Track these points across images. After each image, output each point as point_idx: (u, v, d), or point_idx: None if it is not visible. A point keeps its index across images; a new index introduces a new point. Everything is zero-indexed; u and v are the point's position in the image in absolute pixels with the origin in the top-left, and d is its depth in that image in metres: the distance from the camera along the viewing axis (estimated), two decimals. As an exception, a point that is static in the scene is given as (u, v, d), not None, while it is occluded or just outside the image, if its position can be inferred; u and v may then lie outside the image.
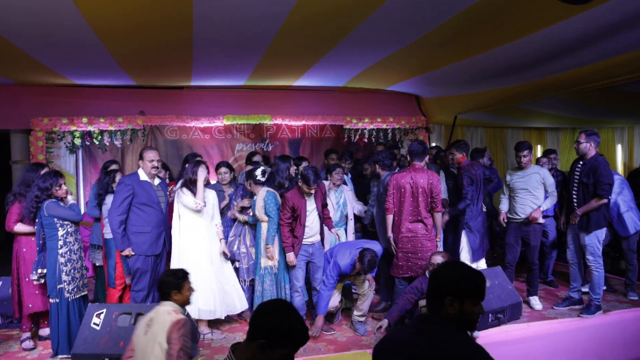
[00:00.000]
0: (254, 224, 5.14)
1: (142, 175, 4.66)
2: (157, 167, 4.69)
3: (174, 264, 4.60)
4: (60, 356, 4.21)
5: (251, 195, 5.17)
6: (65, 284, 4.25)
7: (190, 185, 4.64)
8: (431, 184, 4.78)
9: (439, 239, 4.92)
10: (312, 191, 4.78)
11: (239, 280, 5.11)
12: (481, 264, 5.42)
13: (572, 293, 5.35)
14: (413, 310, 4.34)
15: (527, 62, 5.45)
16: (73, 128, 7.08)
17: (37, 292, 4.33)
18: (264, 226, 4.98)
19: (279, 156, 5.48)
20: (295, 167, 5.62)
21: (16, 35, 4.56)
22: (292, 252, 4.81)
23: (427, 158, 5.04)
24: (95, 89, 7.35)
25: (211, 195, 4.90)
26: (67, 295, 4.25)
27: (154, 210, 4.62)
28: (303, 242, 4.90)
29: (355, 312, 4.90)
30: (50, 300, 4.26)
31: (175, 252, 4.68)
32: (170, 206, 4.93)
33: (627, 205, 5.74)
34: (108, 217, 4.56)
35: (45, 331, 4.64)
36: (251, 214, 5.08)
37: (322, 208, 5.06)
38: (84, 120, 7.10)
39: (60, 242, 4.27)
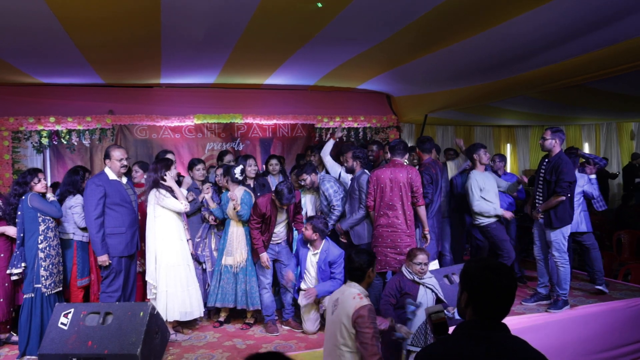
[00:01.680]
0: (219, 222, 5.27)
1: (111, 175, 4.58)
2: (126, 166, 4.64)
3: (151, 267, 4.56)
4: (27, 357, 4.20)
5: (219, 191, 5.28)
6: (43, 279, 4.33)
7: (162, 185, 4.62)
8: (410, 179, 4.88)
9: (427, 231, 4.98)
10: (284, 207, 4.86)
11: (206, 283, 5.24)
12: (432, 265, 5.51)
13: (540, 289, 5.47)
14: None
15: (496, 61, 5.55)
16: (40, 127, 6.97)
17: (0, 300, 4.27)
18: (232, 224, 5.05)
19: (242, 156, 5.65)
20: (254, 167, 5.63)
21: None
22: (265, 253, 4.86)
23: (407, 155, 5.15)
24: (63, 88, 7.24)
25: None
26: (44, 290, 4.33)
27: (126, 209, 4.56)
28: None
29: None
30: (25, 295, 4.36)
31: (151, 254, 4.61)
32: (139, 206, 4.92)
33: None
34: (86, 221, 4.48)
35: (4, 335, 4.57)
36: (213, 207, 5.21)
37: (294, 215, 5.12)
38: (52, 119, 7.00)
39: (41, 237, 4.37)
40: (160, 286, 4.51)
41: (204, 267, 5.30)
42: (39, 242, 4.36)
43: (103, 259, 4.38)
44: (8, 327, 4.56)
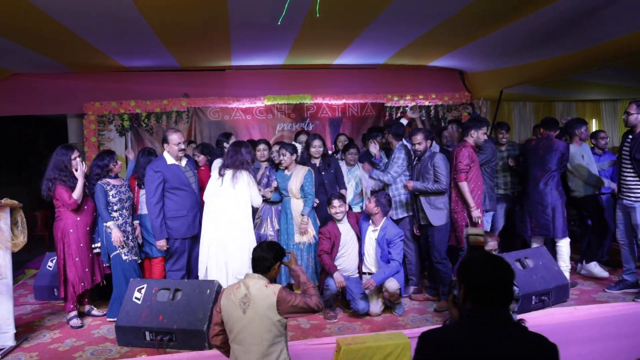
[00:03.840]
0: (277, 201, 5.31)
1: (169, 159, 4.61)
2: (184, 149, 4.67)
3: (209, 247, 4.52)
4: (108, 319, 4.62)
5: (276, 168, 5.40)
6: (120, 248, 4.61)
7: (249, 170, 4.65)
8: (455, 156, 4.82)
9: (473, 208, 4.71)
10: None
11: None
12: None
13: (626, 276, 5.07)
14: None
15: (578, 23, 5.13)
16: (122, 111, 7.41)
17: (86, 270, 4.55)
18: (294, 202, 5.11)
19: (311, 134, 5.76)
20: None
21: (65, 17, 4.82)
22: (338, 272, 4.70)
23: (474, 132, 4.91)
24: (142, 74, 7.66)
25: None
26: (124, 257, 4.62)
27: (186, 193, 4.62)
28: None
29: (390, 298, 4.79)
30: (105, 265, 4.77)
31: (210, 236, 4.53)
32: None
33: None
34: (147, 207, 4.59)
35: (85, 308, 4.88)
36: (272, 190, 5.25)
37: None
38: (132, 103, 7.42)
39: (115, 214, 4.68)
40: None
41: None
42: (112, 217, 4.67)
43: (161, 244, 4.48)
44: (86, 300, 4.89)
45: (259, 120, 7.99)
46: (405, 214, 5.24)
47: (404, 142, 5.38)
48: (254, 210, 5.12)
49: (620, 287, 5.07)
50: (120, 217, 4.69)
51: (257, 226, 5.25)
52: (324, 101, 8.08)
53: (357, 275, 4.90)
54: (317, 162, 5.45)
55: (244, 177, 4.58)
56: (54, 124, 8.16)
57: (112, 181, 4.74)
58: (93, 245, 4.73)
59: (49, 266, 5.56)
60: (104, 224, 4.61)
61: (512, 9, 4.95)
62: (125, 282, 4.48)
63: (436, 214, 4.88)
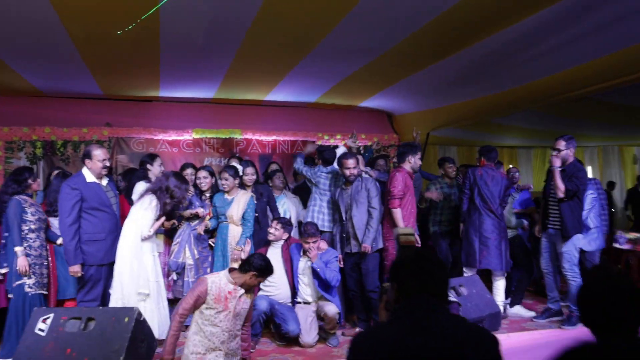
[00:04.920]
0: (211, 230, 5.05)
1: (89, 176, 4.22)
2: (107, 167, 4.33)
3: (125, 280, 4.09)
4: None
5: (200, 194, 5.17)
6: (26, 278, 4.15)
7: (163, 198, 4.31)
8: (389, 181, 4.85)
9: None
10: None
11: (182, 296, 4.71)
12: None
13: (550, 304, 5.24)
14: None
15: (502, 66, 5.38)
16: (35, 138, 6.87)
17: None
18: (233, 228, 4.85)
19: (245, 160, 5.62)
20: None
21: None
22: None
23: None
24: (60, 100, 7.17)
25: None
26: (27, 289, 4.13)
27: (106, 214, 4.22)
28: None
29: (326, 326, 4.61)
30: (9, 295, 4.22)
31: (125, 264, 4.12)
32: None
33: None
34: (60, 227, 4.16)
35: None
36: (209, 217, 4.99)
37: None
38: (47, 130, 6.91)
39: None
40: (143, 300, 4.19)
41: (174, 278, 4.92)
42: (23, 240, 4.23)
43: (75, 269, 4.04)
44: None
45: (186, 153, 7.69)
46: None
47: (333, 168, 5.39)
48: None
49: (546, 315, 5.24)
50: (37, 239, 4.24)
51: (173, 253, 4.90)
52: (254, 137, 7.96)
53: (289, 303, 4.66)
54: (249, 190, 5.23)
55: (146, 200, 4.27)
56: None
57: (30, 199, 4.30)
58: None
59: None
60: (14, 247, 4.10)
61: (440, 48, 5.11)
62: (24, 317, 3.99)
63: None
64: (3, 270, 4.28)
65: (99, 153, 4.22)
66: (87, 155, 4.25)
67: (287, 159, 8.12)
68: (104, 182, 4.35)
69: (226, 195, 4.98)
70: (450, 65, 5.56)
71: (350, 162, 4.80)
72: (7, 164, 6.83)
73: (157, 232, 4.48)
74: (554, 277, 5.21)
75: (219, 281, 3.72)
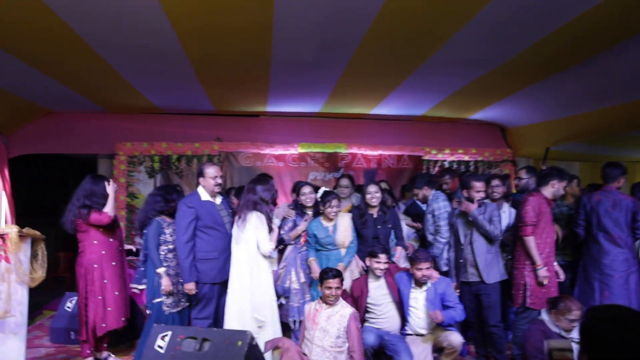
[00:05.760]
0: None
1: (204, 195, 4.24)
2: (220, 184, 4.30)
3: (242, 305, 4.09)
4: None
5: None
6: (164, 297, 4.24)
7: (262, 210, 4.23)
8: (522, 206, 4.36)
9: (539, 266, 4.14)
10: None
11: (288, 320, 4.60)
12: None
13: None
14: None
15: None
16: (153, 152, 7.26)
17: (109, 308, 4.15)
18: (342, 252, 4.68)
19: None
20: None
21: (109, 53, 4.70)
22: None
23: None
24: (175, 115, 7.56)
25: None
26: (165, 308, 4.24)
27: (219, 233, 4.22)
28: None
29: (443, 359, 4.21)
30: (147, 311, 4.32)
31: (242, 287, 4.11)
32: None
33: None
34: (177, 245, 4.17)
35: (103, 355, 4.43)
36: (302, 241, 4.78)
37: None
38: (164, 145, 7.28)
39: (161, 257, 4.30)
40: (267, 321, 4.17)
41: (282, 302, 4.69)
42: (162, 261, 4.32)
43: (189, 287, 4.06)
44: (105, 345, 4.43)
45: (292, 167, 7.74)
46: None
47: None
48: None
49: None
50: (174, 259, 4.29)
51: (280, 278, 4.73)
52: (359, 151, 7.83)
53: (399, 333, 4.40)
54: (374, 211, 4.83)
55: (252, 219, 4.19)
56: (84, 165, 8.04)
57: (169, 219, 4.39)
58: (134, 286, 4.43)
59: (68, 307, 5.20)
60: (156, 270, 4.24)
61: (568, 55, 4.66)
62: None
63: (492, 270, 4.40)
64: (141, 287, 4.48)
65: (210, 171, 4.23)
66: (201, 174, 4.27)
67: (393, 173, 7.91)
68: (218, 200, 4.35)
69: (325, 223, 4.69)
70: (577, 75, 5.06)
71: (479, 185, 4.47)
72: (129, 177, 7.26)
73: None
74: None
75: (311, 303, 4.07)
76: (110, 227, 4.25)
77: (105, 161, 7.56)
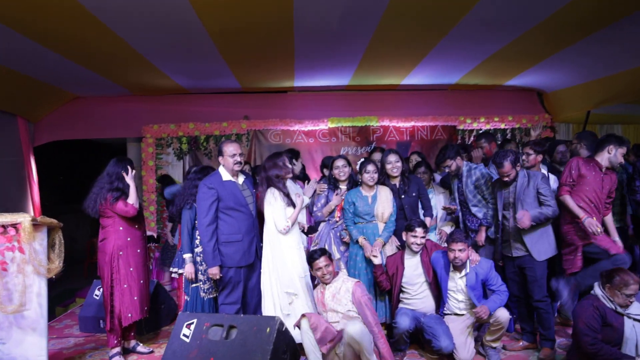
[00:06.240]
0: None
1: (225, 175, 4.02)
2: (240, 163, 4.03)
3: (272, 281, 4.05)
4: None
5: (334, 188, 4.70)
6: (201, 283, 4.23)
7: (277, 185, 4.13)
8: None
9: (583, 218, 3.89)
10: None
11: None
12: None
13: None
14: None
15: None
16: (180, 134, 7.19)
17: (135, 298, 4.07)
18: (381, 227, 4.43)
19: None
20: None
21: (133, 37, 4.67)
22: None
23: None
24: (201, 95, 7.46)
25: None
26: (202, 294, 4.22)
27: (242, 214, 4.00)
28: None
29: (487, 337, 3.98)
30: (185, 297, 4.35)
31: (266, 265, 4.09)
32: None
33: None
34: (199, 228, 4.03)
35: (131, 343, 4.37)
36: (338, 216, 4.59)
37: None
38: (191, 125, 7.18)
39: (197, 242, 4.28)
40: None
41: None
42: (195, 246, 4.28)
43: (213, 272, 3.89)
44: (133, 334, 4.37)
45: (322, 143, 7.55)
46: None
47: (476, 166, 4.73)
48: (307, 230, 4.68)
49: None
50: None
51: None
52: (391, 124, 7.57)
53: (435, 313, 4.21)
54: (396, 182, 4.63)
55: (267, 196, 4.11)
56: (114, 150, 8.06)
57: None
58: (174, 270, 4.46)
59: (96, 295, 5.12)
60: (183, 255, 4.23)
61: (605, 13, 4.30)
62: None
63: (542, 245, 4.09)
64: (181, 271, 4.40)
65: (229, 149, 4.00)
66: (220, 153, 4.09)
67: (427, 145, 7.63)
68: (240, 179, 4.14)
69: (364, 192, 4.48)
70: (615, 34, 4.72)
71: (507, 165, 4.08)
72: (158, 159, 7.22)
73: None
74: None
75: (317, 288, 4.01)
76: (136, 214, 4.16)
77: (134, 145, 7.53)
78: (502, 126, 7.65)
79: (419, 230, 4.09)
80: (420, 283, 4.16)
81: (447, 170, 4.79)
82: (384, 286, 4.15)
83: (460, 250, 3.90)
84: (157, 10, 4.09)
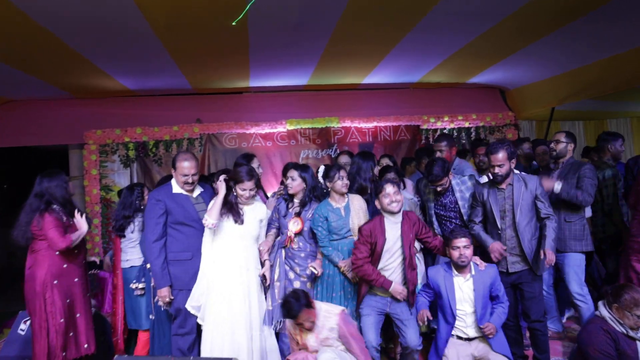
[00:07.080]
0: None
1: (176, 187, 3.70)
2: (192, 183, 3.67)
3: (194, 301, 3.56)
4: None
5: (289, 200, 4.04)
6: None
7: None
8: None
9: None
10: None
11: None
12: None
13: None
14: None
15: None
16: (127, 139, 6.65)
17: (71, 333, 3.52)
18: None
19: (360, 153, 4.52)
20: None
21: (68, 33, 4.24)
22: (396, 283, 3.58)
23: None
24: (149, 98, 6.98)
25: (260, 210, 3.88)
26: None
27: (194, 229, 3.63)
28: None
29: None
30: (150, 316, 3.95)
31: (201, 285, 3.60)
32: None
33: None
34: (145, 245, 3.67)
35: None
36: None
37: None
38: (138, 130, 6.67)
39: None
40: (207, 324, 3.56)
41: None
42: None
43: (163, 294, 3.50)
44: None
45: (281, 146, 7.18)
46: None
47: None
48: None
49: None
50: None
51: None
52: (352, 124, 7.27)
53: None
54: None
55: None
56: (55, 157, 7.43)
57: None
58: (135, 286, 3.99)
59: (22, 329, 4.25)
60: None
61: (573, 7, 4.12)
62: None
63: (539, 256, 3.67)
64: (141, 285, 4.02)
65: (182, 165, 3.61)
66: (173, 164, 3.70)
67: (390, 146, 7.38)
68: (196, 192, 3.78)
69: (335, 204, 3.88)
70: (582, 28, 4.57)
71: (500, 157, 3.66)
72: (102, 167, 6.66)
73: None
74: None
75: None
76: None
77: (76, 152, 6.94)
78: (467, 125, 7.46)
79: (389, 188, 3.57)
80: (395, 249, 3.63)
81: (439, 189, 4.29)
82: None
83: (465, 246, 3.44)
84: (91, 2, 3.63)
